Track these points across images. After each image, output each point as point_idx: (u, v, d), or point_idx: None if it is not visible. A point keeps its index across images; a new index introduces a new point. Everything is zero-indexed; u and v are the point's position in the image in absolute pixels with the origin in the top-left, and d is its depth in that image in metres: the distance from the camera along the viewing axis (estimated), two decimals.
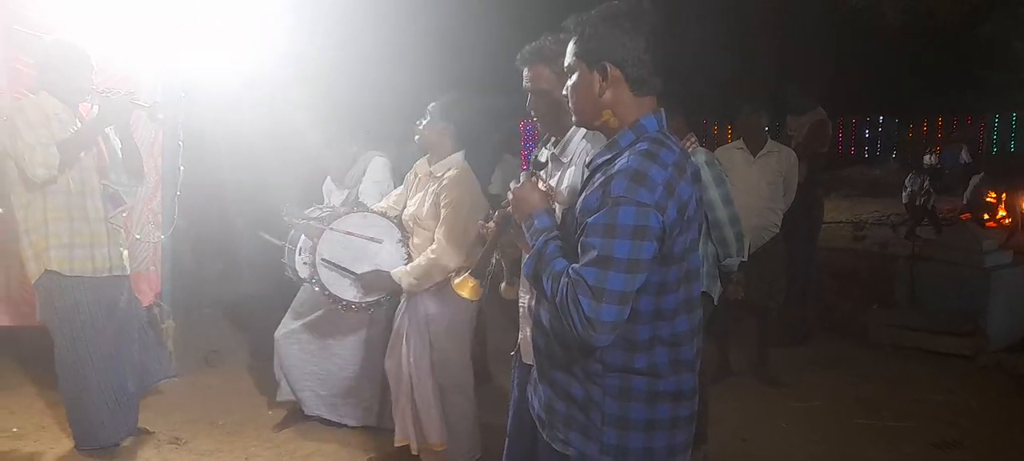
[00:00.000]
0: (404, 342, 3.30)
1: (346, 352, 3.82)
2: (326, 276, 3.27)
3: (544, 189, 1.96)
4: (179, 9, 3.98)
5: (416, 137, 3.25)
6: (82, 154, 3.24)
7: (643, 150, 1.70)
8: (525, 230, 1.88)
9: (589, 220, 1.70)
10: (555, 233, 1.83)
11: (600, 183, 1.72)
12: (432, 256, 3.08)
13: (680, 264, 1.75)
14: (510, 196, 1.97)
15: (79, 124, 3.29)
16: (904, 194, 11.02)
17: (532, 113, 2.27)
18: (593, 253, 1.65)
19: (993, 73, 14.21)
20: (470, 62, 6.82)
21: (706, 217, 3.29)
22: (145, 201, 4.07)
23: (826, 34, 11.24)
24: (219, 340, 5.15)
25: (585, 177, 1.86)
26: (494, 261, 2.41)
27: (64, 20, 3.75)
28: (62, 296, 3.24)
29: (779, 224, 4.54)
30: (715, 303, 3.42)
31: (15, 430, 3.70)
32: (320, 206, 3.78)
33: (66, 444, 3.55)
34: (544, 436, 1.96)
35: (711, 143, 14.89)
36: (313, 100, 4.29)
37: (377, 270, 3.22)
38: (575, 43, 1.81)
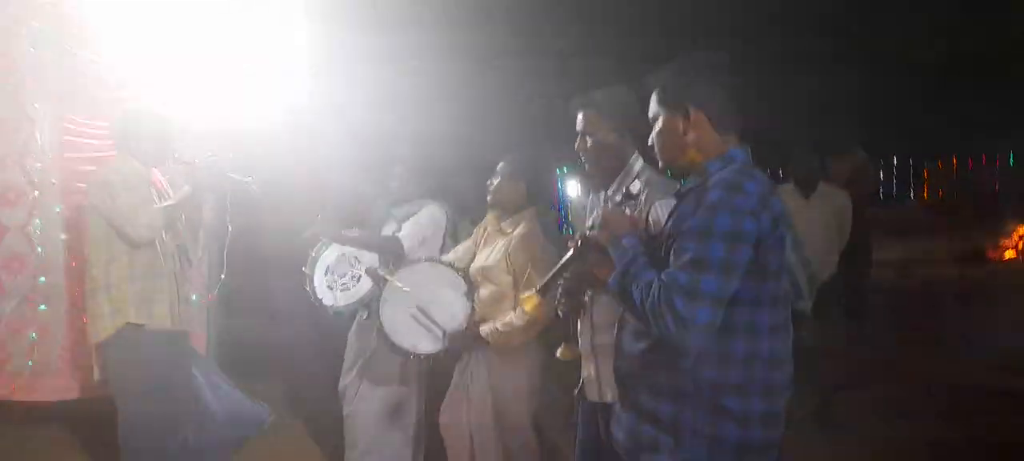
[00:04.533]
0: (466, 399, 3.23)
1: (379, 407, 3.73)
2: (390, 324, 3.21)
3: (634, 216, 2.10)
4: (223, 58, 4.01)
5: (488, 197, 3.25)
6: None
7: (735, 169, 1.82)
8: (612, 250, 1.93)
9: (683, 227, 1.78)
10: (642, 250, 1.88)
11: (692, 200, 1.81)
12: (525, 318, 2.99)
13: (774, 283, 1.79)
14: (596, 219, 2.08)
15: (153, 186, 3.35)
16: None
17: (581, 156, 2.53)
18: (687, 256, 1.71)
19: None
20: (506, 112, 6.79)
21: None
22: (197, 259, 4.03)
23: (854, 74, 11.25)
24: (266, 397, 5.03)
25: (673, 206, 1.95)
26: (559, 312, 2.42)
27: (121, 78, 3.80)
28: (140, 349, 3.20)
29: (835, 265, 4.45)
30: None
31: None
32: (358, 230, 3.74)
33: None
34: None
35: None
36: (355, 147, 4.28)
37: (464, 329, 3.16)
38: (657, 93, 1.96)
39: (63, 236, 3.80)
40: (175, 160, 3.41)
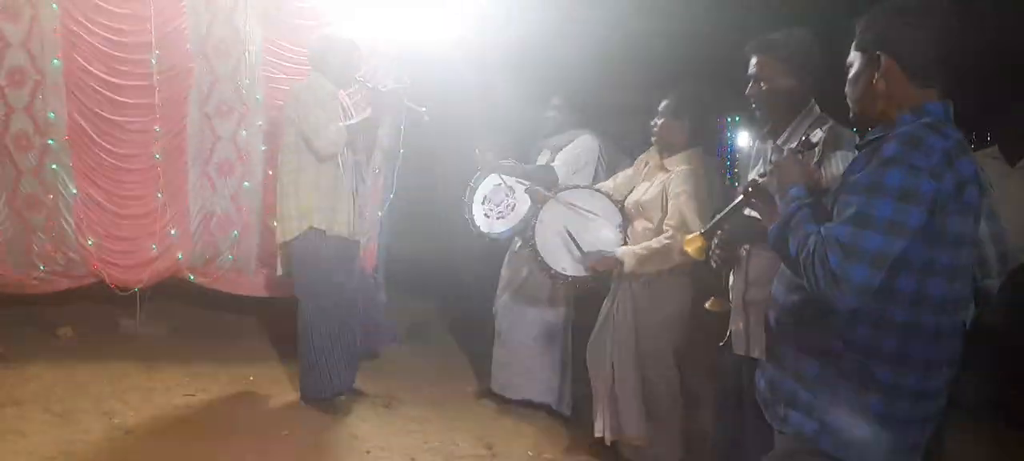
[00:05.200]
0: (610, 332, 3.28)
1: (531, 331, 3.89)
2: (542, 243, 3.32)
3: (808, 167, 1.94)
4: None
5: (652, 137, 3.23)
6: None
7: (924, 123, 1.64)
8: (779, 200, 1.84)
9: (850, 179, 1.65)
10: (808, 202, 1.77)
11: (869, 152, 1.67)
12: (666, 241, 3.02)
13: (953, 251, 1.63)
14: (766, 169, 1.99)
15: (340, 106, 3.66)
16: None
17: (753, 102, 2.42)
18: (850, 211, 1.59)
19: None
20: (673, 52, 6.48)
21: None
22: (372, 175, 4.36)
23: None
24: (424, 313, 5.40)
25: (854, 159, 1.81)
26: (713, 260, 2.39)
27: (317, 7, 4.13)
28: (318, 252, 3.57)
29: None
30: (965, 327, 3.05)
31: (251, 379, 4.10)
32: (513, 161, 3.89)
33: (292, 395, 3.87)
34: (766, 417, 1.92)
35: None
36: (524, 73, 4.35)
37: (601, 251, 3.21)
38: (858, 35, 1.81)
39: (263, 147, 4.27)
40: (359, 83, 3.68)
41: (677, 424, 3.23)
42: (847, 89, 1.86)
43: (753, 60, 2.42)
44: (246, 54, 4.19)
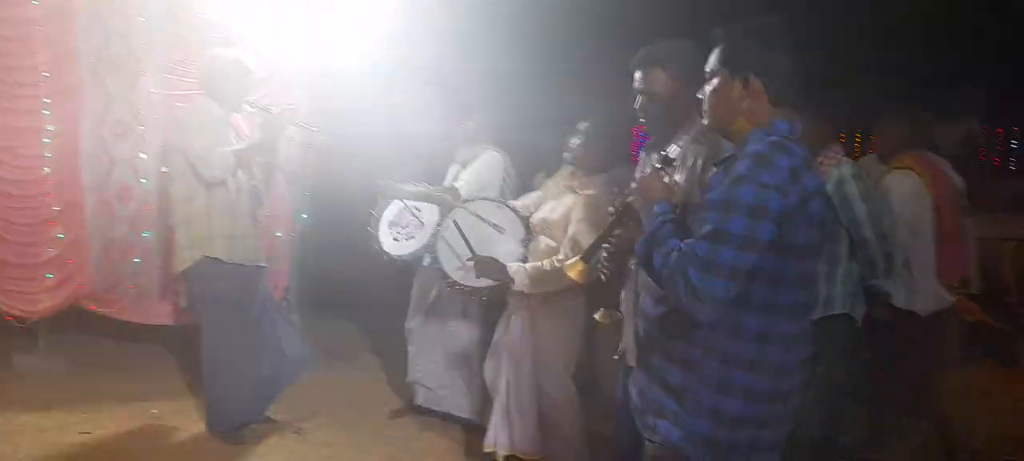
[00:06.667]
0: (504, 347, 3.29)
1: (455, 345, 3.88)
2: (443, 250, 3.31)
3: (669, 182, 2.01)
4: (308, 8, 4.13)
5: (565, 154, 3.22)
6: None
7: (772, 141, 1.74)
8: (644, 216, 1.94)
9: (707, 197, 1.77)
10: (672, 217, 1.87)
11: (724, 169, 1.79)
12: (557, 264, 3.01)
13: (800, 261, 1.76)
14: (634, 186, 2.04)
15: (232, 129, 3.54)
16: None
17: (641, 116, 2.40)
18: (707, 228, 1.69)
19: None
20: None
21: (850, 236, 3.09)
22: (278, 199, 4.25)
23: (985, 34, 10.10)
24: (339, 335, 5.31)
25: (711, 174, 1.93)
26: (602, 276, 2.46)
27: (218, 25, 4.01)
28: (217, 281, 3.44)
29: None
30: (858, 325, 3.17)
31: (155, 412, 3.94)
32: (414, 182, 3.85)
33: (199, 427, 3.75)
34: (637, 425, 2.02)
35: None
36: (429, 93, 4.34)
37: (494, 257, 3.17)
38: (721, 51, 1.87)
39: (163, 169, 4.11)
40: (252, 106, 3.56)
41: (576, 440, 3.25)
42: (705, 100, 1.91)
43: (637, 74, 2.41)
44: (143, 74, 4.04)
